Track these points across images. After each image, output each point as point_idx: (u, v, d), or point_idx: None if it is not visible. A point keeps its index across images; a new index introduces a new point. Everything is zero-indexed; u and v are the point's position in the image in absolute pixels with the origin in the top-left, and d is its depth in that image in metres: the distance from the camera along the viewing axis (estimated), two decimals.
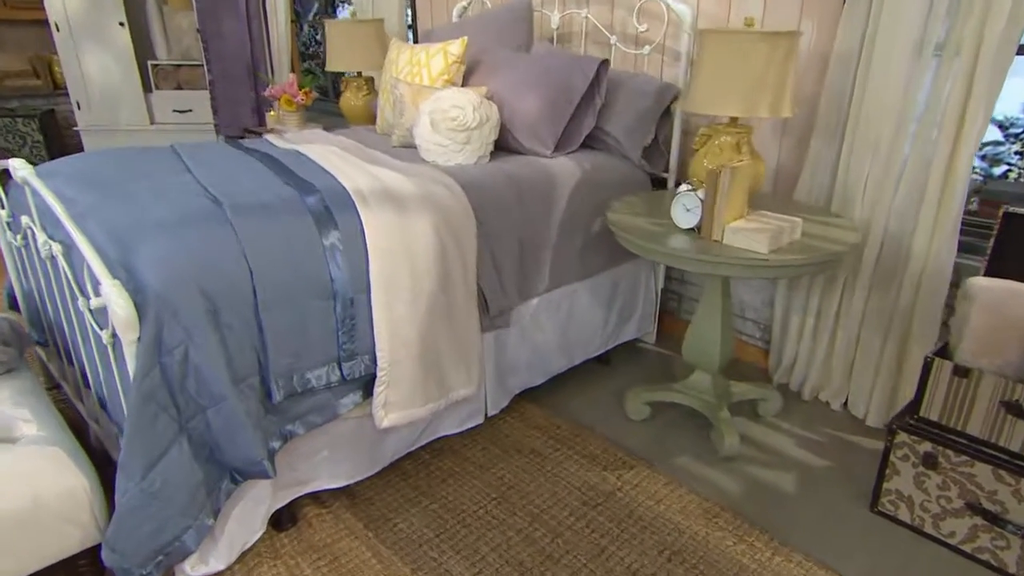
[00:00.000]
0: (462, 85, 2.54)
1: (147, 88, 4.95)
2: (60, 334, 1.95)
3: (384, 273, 1.66)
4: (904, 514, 1.78)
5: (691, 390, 2.22)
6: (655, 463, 2.06)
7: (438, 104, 2.23)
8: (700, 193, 1.88)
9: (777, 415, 2.31)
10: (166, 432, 1.40)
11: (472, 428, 2.11)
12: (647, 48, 2.53)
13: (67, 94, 4.81)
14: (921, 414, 1.70)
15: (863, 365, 2.23)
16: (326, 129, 3.35)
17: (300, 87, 3.34)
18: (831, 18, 2.16)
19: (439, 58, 2.47)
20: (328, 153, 2.07)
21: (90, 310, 1.50)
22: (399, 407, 1.75)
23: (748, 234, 1.77)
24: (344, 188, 1.75)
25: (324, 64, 6.31)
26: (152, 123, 4.99)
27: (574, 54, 2.44)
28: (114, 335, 1.41)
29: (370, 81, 3.36)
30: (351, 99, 3.33)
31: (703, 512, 1.84)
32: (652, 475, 1.99)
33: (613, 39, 2.61)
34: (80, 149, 5.00)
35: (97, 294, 1.44)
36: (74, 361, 1.88)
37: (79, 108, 4.84)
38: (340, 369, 1.65)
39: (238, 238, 1.51)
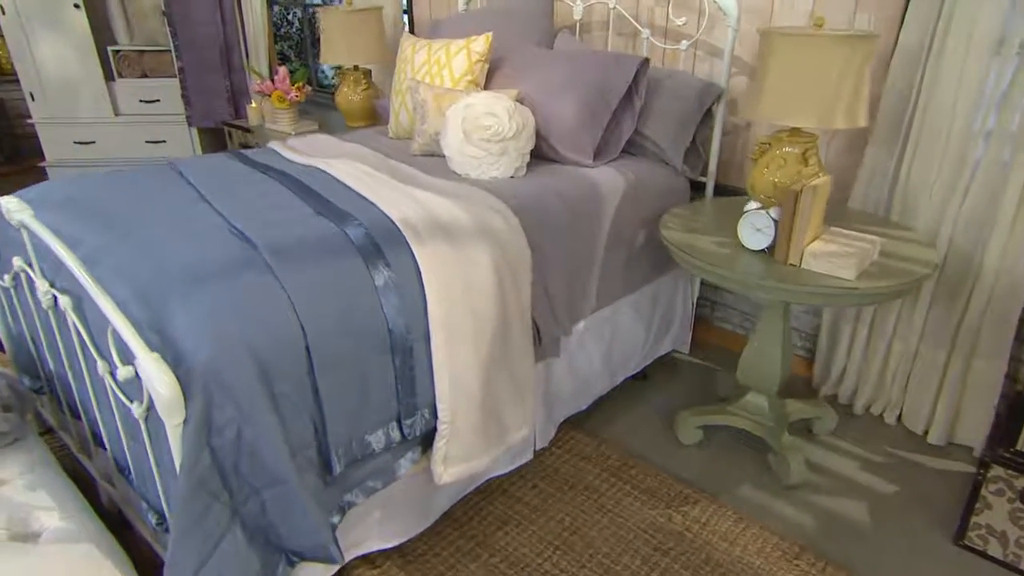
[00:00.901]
0: (485, 86, 2.34)
1: (108, 76, 4.58)
2: (62, 385, 1.72)
3: (444, 316, 1.48)
4: (995, 549, 1.69)
5: (746, 412, 2.10)
6: (718, 495, 1.94)
7: (470, 112, 2.03)
8: (773, 212, 1.73)
9: (832, 433, 2.21)
10: (219, 522, 1.22)
11: (521, 465, 1.96)
12: (684, 43, 2.35)
13: (17, 82, 4.42)
14: (1019, 447, 1.61)
15: (922, 380, 2.14)
16: (325, 130, 3.11)
17: (293, 82, 3.08)
18: (892, 12, 2.02)
19: (462, 57, 2.26)
20: (355, 171, 1.86)
21: (115, 379, 1.30)
22: (459, 460, 1.59)
23: (832, 259, 1.63)
24: (390, 219, 1.56)
25: (301, 49, 5.96)
26: (116, 115, 4.62)
27: (610, 52, 2.25)
28: (149, 407, 1.21)
29: (368, 74, 3.12)
30: (349, 95, 3.09)
31: (782, 553, 1.73)
32: (718, 510, 1.87)
33: (646, 32, 2.43)
34: (36, 143, 4.62)
35: (125, 362, 1.24)
36: (82, 417, 1.67)
37: (32, 99, 4.46)
38: (400, 427, 1.47)
39: (284, 289, 1.32)
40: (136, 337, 1.16)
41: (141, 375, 1.14)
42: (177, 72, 4.50)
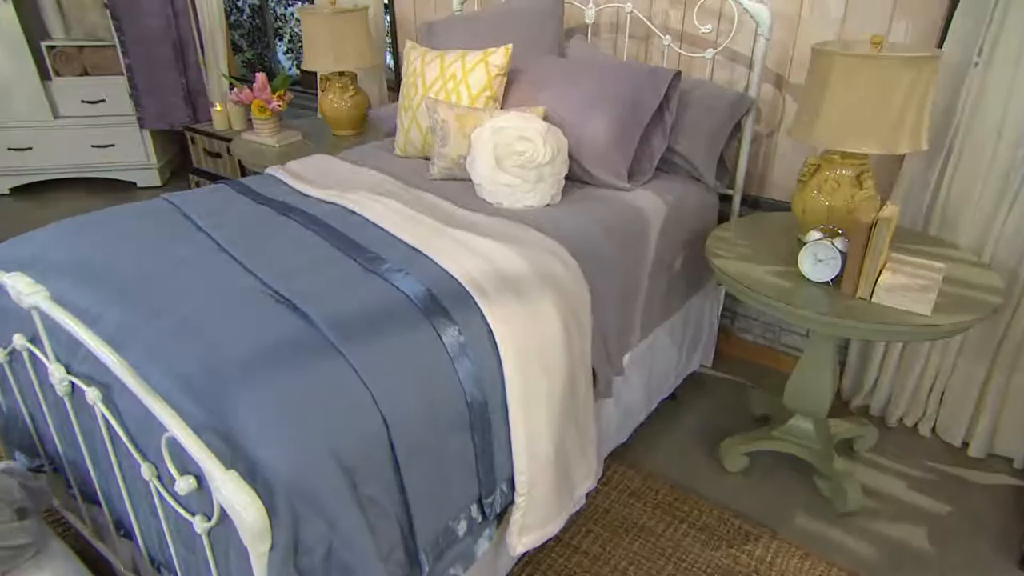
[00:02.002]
0: (502, 102, 2.18)
1: (44, 75, 4.18)
2: (75, 471, 1.52)
3: (522, 382, 1.35)
4: None
5: (792, 437, 2.05)
6: (776, 529, 1.89)
7: (501, 136, 1.88)
8: (838, 243, 1.66)
9: (872, 449, 2.19)
10: None
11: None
12: (710, 52, 2.24)
13: None
14: None
15: (961, 393, 2.14)
16: (311, 140, 2.89)
17: (274, 90, 2.83)
18: (932, 20, 1.96)
19: (480, 71, 2.10)
20: (386, 211, 1.69)
21: (168, 488, 1.13)
22: (535, 528, 1.48)
23: (907, 294, 1.57)
24: (452, 276, 1.41)
25: (253, 38, 5.59)
26: (56, 117, 4.24)
27: (639, 64, 2.12)
28: (219, 522, 1.05)
29: (354, 79, 2.90)
30: (335, 102, 2.87)
31: None
32: (780, 546, 1.82)
33: (667, 40, 2.31)
34: None
35: (182, 470, 1.07)
36: (102, 504, 1.47)
37: None
38: (481, 507, 1.35)
39: (358, 374, 1.16)
40: (206, 451, 0.99)
41: (215, 495, 0.98)
42: (124, 70, 4.14)
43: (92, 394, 1.20)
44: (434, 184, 2.02)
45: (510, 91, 2.19)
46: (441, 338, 1.29)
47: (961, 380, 2.12)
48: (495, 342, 1.34)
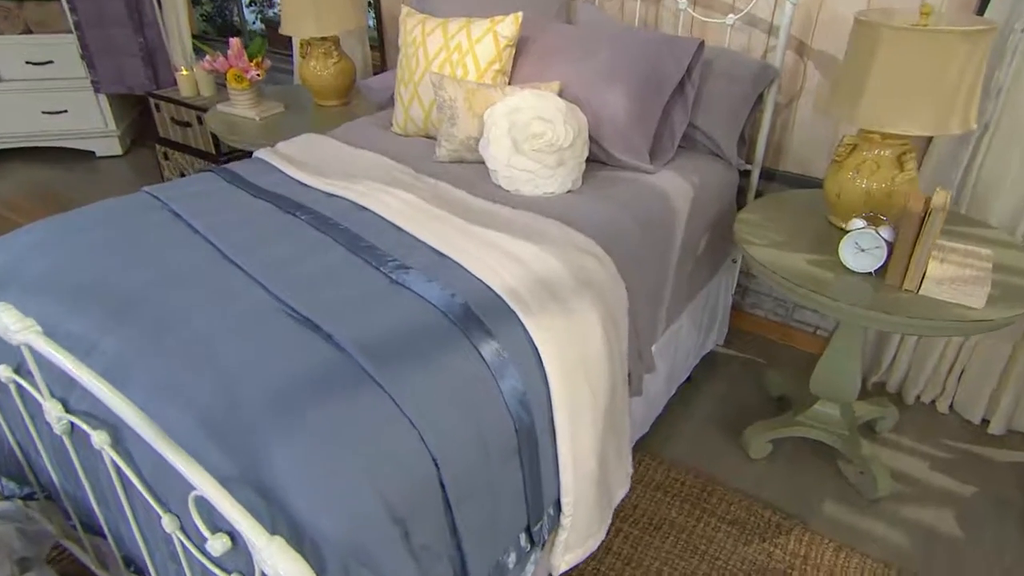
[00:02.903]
0: (511, 75, 2.02)
1: None
2: (76, 505, 1.39)
3: (567, 397, 1.25)
4: None
5: (818, 422, 2.01)
6: (807, 519, 1.86)
7: (517, 117, 1.73)
8: (883, 232, 1.57)
9: (893, 429, 2.16)
10: None
11: None
12: (731, 17, 2.10)
13: None
14: None
15: (982, 371, 2.11)
16: (294, 111, 2.69)
17: (250, 57, 2.60)
18: None
19: (488, 42, 1.92)
20: (401, 206, 1.55)
21: (196, 545, 1.01)
22: (577, 545, 1.40)
23: (958, 286, 1.50)
24: (487, 285, 1.28)
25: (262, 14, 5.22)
26: None
27: (659, 34, 1.97)
28: None
29: (337, 43, 2.68)
30: (318, 69, 2.65)
31: None
32: (812, 538, 1.79)
33: (682, 2, 2.15)
34: None
35: (213, 528, 0.96)
36: (108, 537, 1.35)
37: None
38: (530, 535, 1.26)
39: (400, 408, 1.04)
40: (243, 513, 0.87)
41: (256, 559, 0.87)
42: (72, 27, 3.81)
43: (99, 438, 1.06)
44: (443, 168, 1.87)
45: (517, 63, 2.02)
46: (482, 356, 1.17)
47: (983, 357, 2.09)
48: (539, 356, 1.23)
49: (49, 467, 1.34)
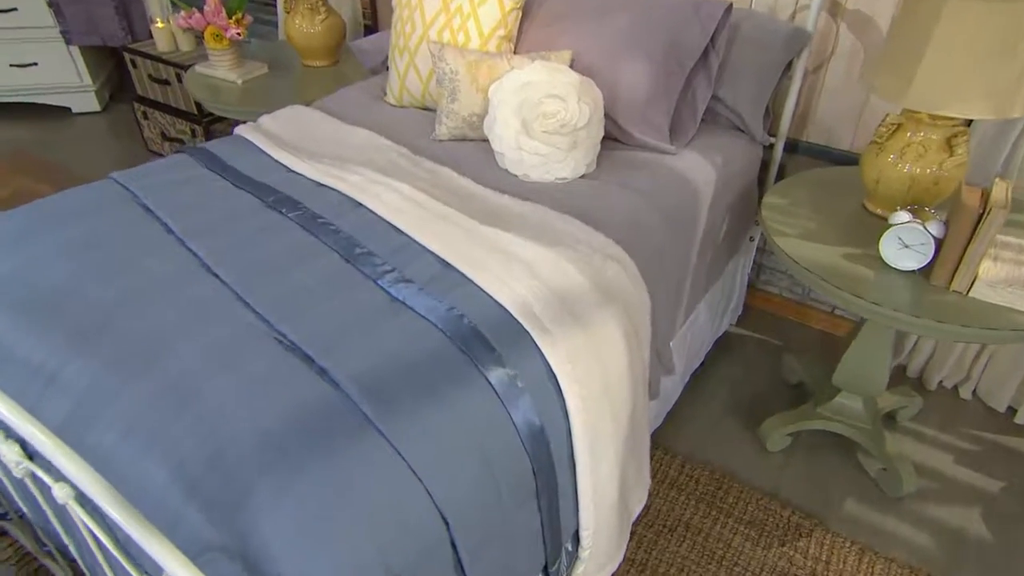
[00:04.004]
0: (516, 42, 1.83)
1: None
2: (50, 536, 1.28)
3: (589, 429, 1.14)
4: None
5: (840, 415, 1.91)
6: (827, 519, 1.78)
7: (528, 94, 1.56)
8: (931, 227, 1.43)
9: (914, 418, 2.07)
10: None
11: None
12: None
13: None
14: None
15: (1011, 357, 2.00)
16: (277, 71, 2.49)
17: (229, 13, 2.38)
18: None
19: (492, 5, 1.73)
20: (400, 202, 1.39)
21: None
22: (595, 570, 1.31)
23: (1015, 289, 1.37)
24: (501, 305, 1.14)
25: None
26: None
27: None
28: None
29: None
30: (304, 27, 2.44)
31: None
32: (834, 541, 1.71)
33: None
34: None
35: None
36: (86, 572, 1.25)
37: None
38: (547, 575, 1.16)
39: (404, 459, 0.92)
40: None
41: None
42: None
43: (62, 492, 0.94)
44: (443, 148, 1.70)
45: (523, 28, 1.83)
46: (494, 388, 1.05)
47: (1012, 344, 1.98)
48: (557, 384, 1.11)
49: (18, 500, 1.22)
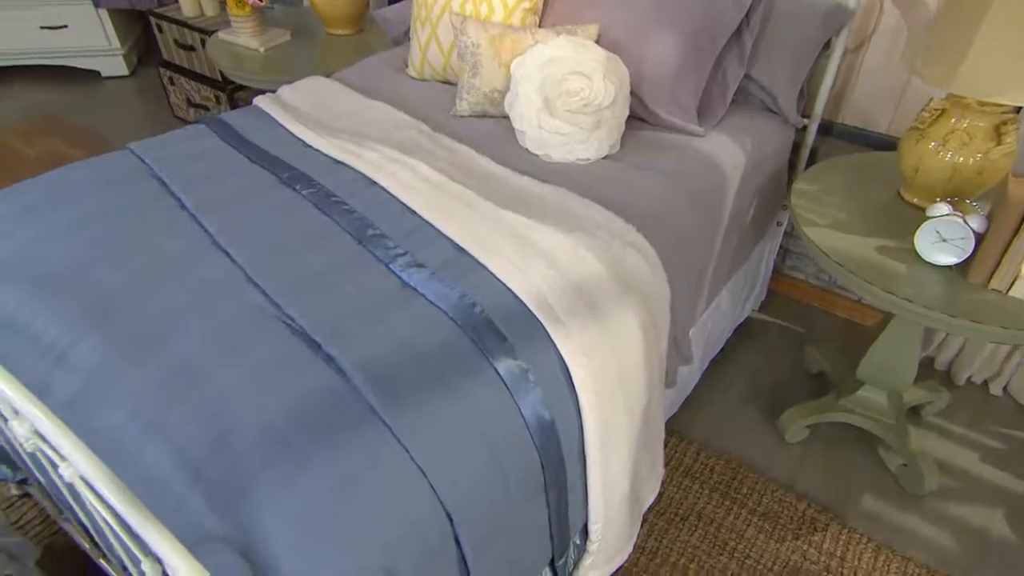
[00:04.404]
0: (541, 14, 1.76)
1: None
2: (62, 500, 1.30)
3: (602, 424, 1.11)
4: None
5: (862, 409, 1.86)
6: (843, 514, 1.75)
7: (550, 71, 1.51)
8: (972, 221, 1.36)
9: (940, 413, 2.01)
10: None
11: None
12: None
13: None
14: None
15: None
16: (301, 38, 2.45)
17: None
18: None
19: None
20: (418, 182, 1.36)
21: None
22: (604, 562, 1.30)
23: None
24: (515, 295, 1.12)
25: None
26: None
27: None
28: None
29: None
30: None
31: None
32: (850, 537, 1.68)
33: None
34: None
35: None
36: (100, 543, 1.27)
37: None
38: (553, 569, 1.15)
39: (410, 454, 0.91)
40: None
41: None
42: None
43: (68, 472, 0.94)
44: (463, 125, 1.66)
45: (549, 0, 1.76)
46: (504, 381, 1.03)
47: None
48: (569, 378, 1.08)
49: (35, 471, 1.24)
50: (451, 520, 0.90)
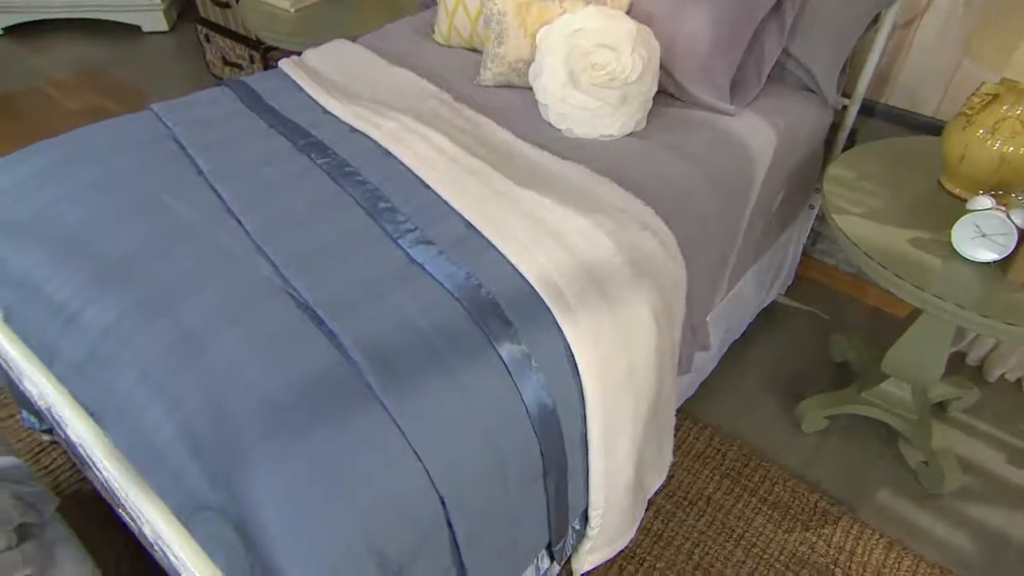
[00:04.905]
0: None
1: None
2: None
3: (607, 412, 1.10)
4: None
5: (884, 402, 1.81)
6: (856, 508, 1.71)
7: (577, 42, 1.46)
8: (1016, 216, 1.29)
9: (967, 410, 1.95)
10: None
11: None
12: None
13: None
14: None
15: None
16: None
17: None
18: None
19: None
20: (434, 154, 1.34)
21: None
22: (604, 545, 1.30)
23: None
24: (523, 277, 1.10)
25: None
26: None
27: None
28: None
29: None
30: None
31: None
32: (862, 531, 1.65)
33: None
34: None
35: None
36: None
37: None
38: (551, 553, 1.16)
39: (406, 437, 0.91)
40: (201, 564, 0.77)
41: None
42: None
43: (75, 435, 0.97)
44: (487, 95, 1.63)
45: None
46: (507, 366, 1.01)
47: None
48: (575, 365, 1.07)
49: (52, 423, 1.28)
50: (444, 504, 0.90)
